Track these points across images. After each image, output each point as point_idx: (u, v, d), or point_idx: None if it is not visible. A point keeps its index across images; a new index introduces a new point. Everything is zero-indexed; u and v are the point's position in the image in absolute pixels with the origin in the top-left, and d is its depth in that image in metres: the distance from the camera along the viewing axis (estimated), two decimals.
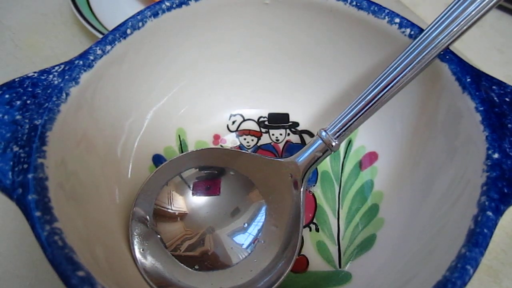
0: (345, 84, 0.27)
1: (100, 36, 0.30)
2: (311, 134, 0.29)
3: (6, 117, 0.18)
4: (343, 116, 0.23)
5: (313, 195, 0.27)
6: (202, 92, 0.28)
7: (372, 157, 0.27)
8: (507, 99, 0.20)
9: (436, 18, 0.21)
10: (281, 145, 0.29)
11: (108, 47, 0.22)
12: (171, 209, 0.24)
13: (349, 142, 0.28)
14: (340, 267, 0.24)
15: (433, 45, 0.21)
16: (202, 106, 0.29)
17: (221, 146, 0.29)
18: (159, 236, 0.23)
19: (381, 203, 0.26)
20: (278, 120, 0.30)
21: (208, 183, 0.25)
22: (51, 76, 0.20)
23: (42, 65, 0.21)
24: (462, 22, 0.20)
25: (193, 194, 0.25)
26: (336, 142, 0.23)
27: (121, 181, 0.24)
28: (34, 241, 0.16)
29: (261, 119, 0.30)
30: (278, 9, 0.26)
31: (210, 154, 0.26)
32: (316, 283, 0.24)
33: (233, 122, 0.30)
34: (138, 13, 0.23)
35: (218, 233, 0.24)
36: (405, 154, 0.25)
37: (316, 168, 0.27)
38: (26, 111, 0.19)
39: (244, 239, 0.24)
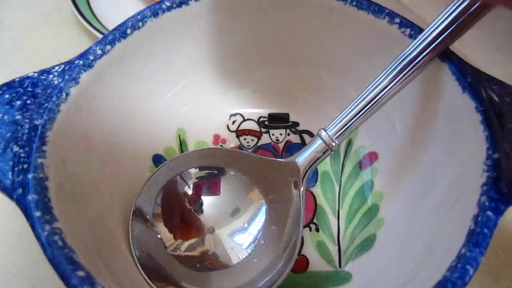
0: (345, 84, 0.27)
1: (100, 36, 0.30)
2: (311, 134, 0.29)
3: (6, 117, 0.18)
4: (343, 116, 0.23)
5: (313, 195, 0.27)
6: (202, 92, 0.28)
7: (372, 157, 0.27)
8: (507, 99, 0.20)
9: (436, 18, 0.21)
10: (281, 145, 0.29)
11: (108, 47, 0.22)
12: (171, 209, 0.24)
13: (349, 142, 0.28)
14: (340, 267, 0.24)
15: (433, 45, 0.21)
16: (202, 106, 0.29)
17: (221, 146, 0.29)
18: (159, 236, 0.23)
19: (381, 203, 0.26)
20: (278, 120, 0.30)
21: (208, 183, 0.25)
22: (51, 76, 0.20)
23: (42, 65, 0.21)
24: (462, 22, 0.20)
25: (193, 194, 0.25)
26: (336, 142, 0.23)
27: (121, 181, 0.24)
28: (34, 241, 0.16)
29: (261, 119, 0.30)
30: (278, 9, 0.26)
31: (210, 154, 0.26)
32: (316, 283, 0.24)
33: (233, 122, 0.30)
34: (138, 13, 0.23)
35: (218, 233, 0.24)
36: (405, 154, 0.25)
37: (316, 168, 0.27)
38: (26, 111, 0.19)
39: (244, 239, 0.24)
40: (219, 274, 0.23)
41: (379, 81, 0.22)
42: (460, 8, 0.20)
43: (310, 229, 0.26)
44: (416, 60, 0.21)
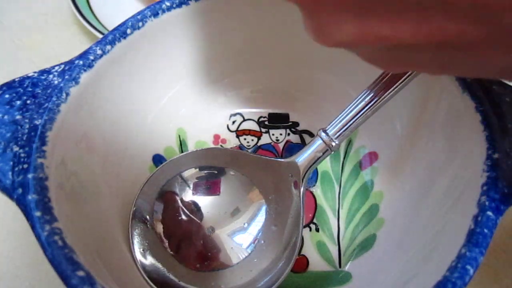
0: (345, 84, 0.27)
1: (100, 36, 0.30)
2: (311, 134, 0.29)
3: (6, 117, 0.18)
4: (343, 116, 0.23)
5: (313, 195, 0.27)
6: (202, 92, 0.28)
7: (372, 157, 0.27)
8: (507, 99, 0.20)
9: None
10: (281, 145, 0.29)
11: (108, 47, 0.22)
12: (171, 209, 0.24)
13: (349, 142, 0.28)
14: (340, 267, 0.24)
15: None
16: (202, 106, 0.29)
17: (221, 146, 0.29)
18: (159, 236, 0.23)
19: (381, 203, 0.26)
20: (278, 120, 0.30)
21: (208, 183, 0.25)
22: (51, 76, 0.20)
23: (42, 65, 0.21)
24: None
25: (193, 194, 0.25)
26: (336, 142, 0.23)
27: (121, 181, 0.24)
28: (34, 241, 0.16)
29: (261, 119, 0.30)
30: (278, 9, 0.26)
31: (210, 154, 0.26)
32: (316, 283, 0.24)
33: (233, 122, 0.30)
34: (138, 13, 0.23)
35: (218, 233, 0.24)
36: (405, 154, 0.25)
37: (316, 168, 0.27)
38: (26, 111, 0.19)
39: (244, 239, 0.24)
40: (219, 274, 0.23)
41: (379, 81, 0.22)
42: None
43: (310, 229, 0.26)
44: None
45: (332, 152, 0.23)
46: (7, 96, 0.19)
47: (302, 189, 0.24)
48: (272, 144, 0.29)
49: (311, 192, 0.27)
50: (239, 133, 0.29)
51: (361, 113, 0.22)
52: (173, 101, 0.27)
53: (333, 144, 0.23)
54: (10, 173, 0.17)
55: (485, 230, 0.16)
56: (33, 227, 0.16)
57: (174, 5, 0.23)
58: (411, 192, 0.24)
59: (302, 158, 0.24)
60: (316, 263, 0.25)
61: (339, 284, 0.24)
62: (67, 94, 0.20)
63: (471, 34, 0.11)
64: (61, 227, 0.16)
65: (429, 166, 0.23)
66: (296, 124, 0.30)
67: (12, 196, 0.17)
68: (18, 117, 0.18)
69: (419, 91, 0.23)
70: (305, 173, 0.24)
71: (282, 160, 0.25)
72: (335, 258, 0.25)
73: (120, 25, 0.22)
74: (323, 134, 0.23)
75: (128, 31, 0.22)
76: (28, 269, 0.26)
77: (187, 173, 0.25)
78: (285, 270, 0.22)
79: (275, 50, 0.28)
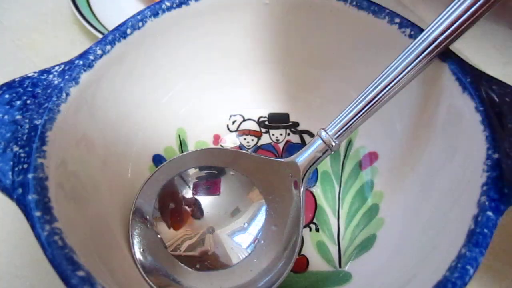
0: (345, 84, 0.27)
1: (100, 36, 0.30)
2: (311, 134, 0.29)
3: (6, 117, 0.18)
4: (343, 116, 0.23)
5: (313, 195, 0.27)
6: (202, 92, 0.28)
7: (372, 157, 0.27)
8: (507, 99, 0.20)
9: (436, 18, 0.21)
10: (281, 145, 0.29)
11: (108, 47, 0.22)
12: (171, 209, 0.24)
13: (349, 142, 0.28)
14: (340, 267, 0.24)
15: (433, 45, 0.21)
16: (202, 106, 0.29)
17: (221, 146, 0.29)
18: (159, 236, 0.23)
19: (381, 203, 0.26)
20: (278, 120, 0.30)
21: (208, 183, 0.25)
22: (51, 76, 0.20)
23: (42, 65, 0.21)
24: (462, 22, 0.20)
25: (193, 194, 0.25)
26: (336, 142, 0.23)
27: (121, 181, 0.24)
28: (34, 241, 0.16)
29: (261, 119, 0.30)
30: (278, 9, 0.26)
31: (210, 154, 0.26)
32: (316, 283, 0.24)
33: (233, 122, 0.30)
34: (138, 13, 0.23)
35: (218, 233, 0.24)
36: (405, 154, 0.25)
37: (316, 168, 0.27)
38: (26, 111, 0.19)
39: (244, 239, 0.24)
40: (219, 274, 0.23)
41: (379, 81, 0.22)
42: (460, 9, 0.20)
43: (310, 229, 0.26)
44: (416, 60, 0.21)
45: (332, 152, 0.23)
46: (7, 96, 0.19)
47: (302, 189, 0.24)
48: (272, 144, 0.29)
49: (311, 192, 0.27)
50: (239, 133, 0.29)
51: (361, 113, 0.22)
52: (173, 101, 0.27)
53: (333, 144, 0.23)
54: (10, 173, 0.17)
55: (485, 230, 0.16)
56: (33, 227, 0.16)
57: (174, 5, 0.23)
58: (411, 192, 0.24)
59: (302, 158, 0.24)
60: (316, 263, 0.25)
61: (339, 284, 0.24)
62: (67, 94, 0.20)
63: None
64: (61, 227, 0.16)
65: (429, 166, 0.23)
66: (296, 124, 0.30)
67: (12, 196, 0.17)
68: (18, 117, 0.18)
69: (419, 91, 0.23)
70: (305, 173, 0.24)
71: (282, 160, 0.25)
72: (335, 258, 0.25)
73: (120, 25, 0.22)
74: (323, 134, 0.23)
75: (128, 31, 0.22)
76: (28, 269, 0.26)
77: (187, 173, 0.25)
78: (285, 270, 0.22)
79: (276, 50, 0.28)
